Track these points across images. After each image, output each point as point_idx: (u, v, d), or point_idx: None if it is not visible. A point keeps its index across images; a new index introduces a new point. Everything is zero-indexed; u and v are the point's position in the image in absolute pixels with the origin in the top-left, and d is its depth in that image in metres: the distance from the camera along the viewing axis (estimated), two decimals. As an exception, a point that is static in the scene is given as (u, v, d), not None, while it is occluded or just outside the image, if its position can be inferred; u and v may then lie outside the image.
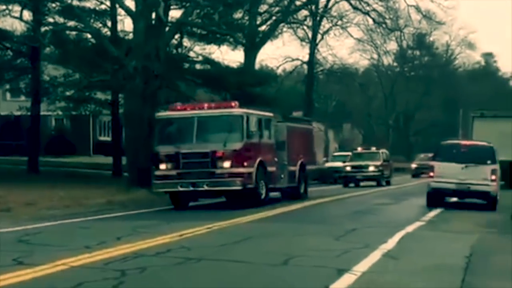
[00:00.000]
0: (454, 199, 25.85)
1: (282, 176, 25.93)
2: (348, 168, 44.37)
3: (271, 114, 25.27)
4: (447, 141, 27.51)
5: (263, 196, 23.74)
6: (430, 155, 56.93)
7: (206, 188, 22.52)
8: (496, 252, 14.02)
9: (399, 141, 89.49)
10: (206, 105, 23.76)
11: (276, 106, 39.13)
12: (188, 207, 23.99)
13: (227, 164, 22.30)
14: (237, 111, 22.97)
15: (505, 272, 11.47)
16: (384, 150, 47.50)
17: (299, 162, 27.57)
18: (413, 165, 63.57)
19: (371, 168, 43.93)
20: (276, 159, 25.20)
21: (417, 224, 18.69)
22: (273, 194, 26.09)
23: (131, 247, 13.33)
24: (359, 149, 49.96)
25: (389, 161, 46.82)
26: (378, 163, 44.27)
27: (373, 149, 47.38)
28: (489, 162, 24.12)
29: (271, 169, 24.53)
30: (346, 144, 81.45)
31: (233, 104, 23.28)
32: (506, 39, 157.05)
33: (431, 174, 24.70)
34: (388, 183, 45.11)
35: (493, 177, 23.89)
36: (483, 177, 23.81)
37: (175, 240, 14.50)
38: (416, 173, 60.28)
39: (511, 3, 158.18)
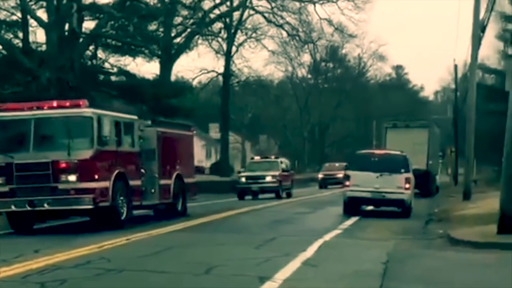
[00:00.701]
0: (370, 207, 26.30)
1: (153, 191, 22.25)
2: (243, 179, 40.24)
3: (134, 117, 21.49)
4: (361, 151, 28.03)
5: (123, 216, 19.99)
6: (337, 164, 57.74)
7: (47, 207, 18.55)
8: (411, 257, 14.33)
9: (314, 152, 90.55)
10: (46, 104, 19.24)
11: (193, 118, 39.18)
12: (33, 230, 20.01)
13: (72, 177, 18.42)
14: (86, 111, 18.84)
15: (420, 276, 11.76)
16: (283, 159, 43.50)
17: (174, 174, 23.82)
18: (320, 176, 59.68)
19: (268, 179, 39.56)
20: (142, 171, 21.57)
21: (335, 232, 18.94)
22: (141, 212, 23.55)
23: None
24: (256, 158, 46.14)
25: (289, 170, 42.60)
26: (277, 173, 39.86)
27: (272, 157, 43.78)
28: (402, 171, 24.66)
29: (134, 183, 20.84)
30: (263, 155, 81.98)
31: (80, 102, 18.96)
32: (415, 52, 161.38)
33: (347, 183, 25.09)
34: (289, 195, 40.96)
35: (407, 185, 24.43)
36: (398, 186, 24.32)
37: (94, 252, 14.29)
38: (323, 184, 57.36)
39: (420, 17, 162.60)
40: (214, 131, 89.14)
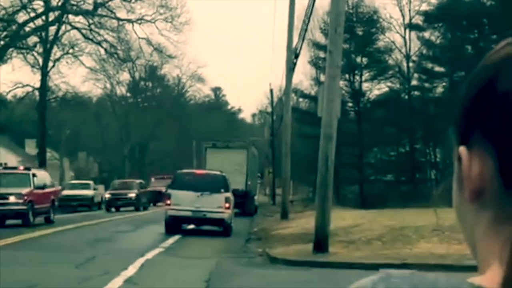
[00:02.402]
0: (192, 226, 26.54)
1: None
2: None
3: None
4: (182, 170, 28.27)
5: None
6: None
7: None
8: (232, 275, 14.65)
9: (134, 171, 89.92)
10: None
11: (7, 132, 37.75)
12: None
13: None
14: None
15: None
16: (41, 171, 32.19)
17: None
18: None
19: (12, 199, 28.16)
20: None
21: (157, 250, 18.98)
22: None
23: None
24: None
25: (50, 186, 31.39)
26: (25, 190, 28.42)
27: (21, 168, 31.43)
28: (222, 190, 25.12)
29: None
30: (82, 173, 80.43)
31: None
32: (234, 74, 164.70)
33: (168, 202, 25.21)
34: (48, 221, 30.44)
35: (227, 205, 24.89)
36: (218, 205, 24.72)
37: None
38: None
39: (238, 40, 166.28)
40: (31, 147, 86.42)
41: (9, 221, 28.46)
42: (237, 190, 31.69)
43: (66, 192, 45.59)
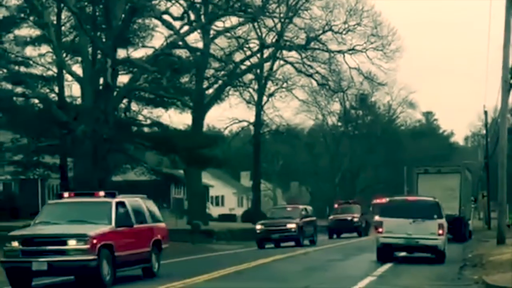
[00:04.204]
0: (403, 253, 26.35)
1: None
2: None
3: None
4: (393, 197, 28.16)
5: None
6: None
7: None
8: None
9: (345, 199, 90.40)
10: None
11: (225, 167, 39.53)
12: None
13: None
14: None
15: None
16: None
17: None
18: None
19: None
20: None
21: (369, 279, 19.06)
22: None
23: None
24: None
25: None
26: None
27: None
28: (435, 216, 24.75)
29: None
30: (294, 202, 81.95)
31: None
32: (445, 97, 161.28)
33: (380, 229, 25.21)
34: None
35: (441, 231, 24.49)
36: (431, 232, 24.39)
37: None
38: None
39: (448, 62, 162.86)
40: (246, 179, 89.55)
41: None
42: (450, 215, 31.03)
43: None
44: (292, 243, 37.56)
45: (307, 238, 38.97)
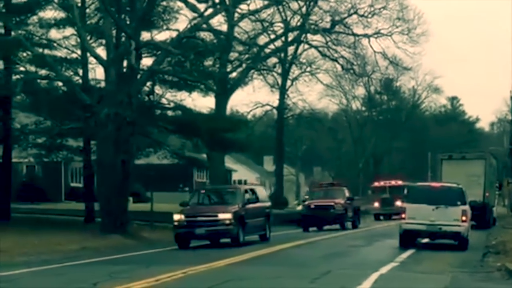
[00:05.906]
0: (426, 240, 26.18)
1: None
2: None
3: None
4: (417, 183, 27.95)
5: None
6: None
7: None
8: (468, 291, 14.30)
9: (368, 184, 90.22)
10: None
11: (248, 151, 39.44)
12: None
13: None
14: None
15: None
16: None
17: None
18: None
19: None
20: None
21: (391, 265, 18.94)
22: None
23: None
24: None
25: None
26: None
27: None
28: (459, 203, 24.55)
29: None
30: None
31: None
32: (470, 83, 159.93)
33: (403, 215, 25.05)
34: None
35: (464, 218, 24.30)
36: (454, 218, 24.21)
37: (151, 286, 14.59)
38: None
39: (475, 48, 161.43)
40: (269, 164, 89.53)
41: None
42: (474, 202, 30.78)
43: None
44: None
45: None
